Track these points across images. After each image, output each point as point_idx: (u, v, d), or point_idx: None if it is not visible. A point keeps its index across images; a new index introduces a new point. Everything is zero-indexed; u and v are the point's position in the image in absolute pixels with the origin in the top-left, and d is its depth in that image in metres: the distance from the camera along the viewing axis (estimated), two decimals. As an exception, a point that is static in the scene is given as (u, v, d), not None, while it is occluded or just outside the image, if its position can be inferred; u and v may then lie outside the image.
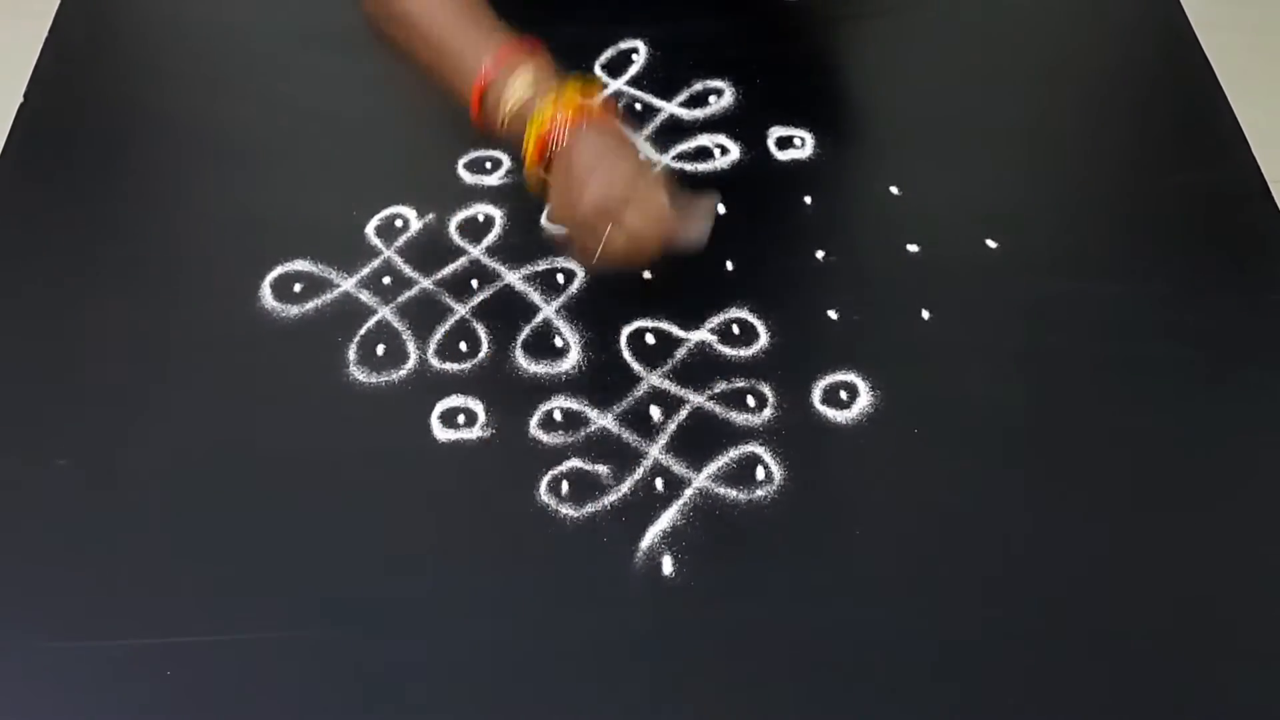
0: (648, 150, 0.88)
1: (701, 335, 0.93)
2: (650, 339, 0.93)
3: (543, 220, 0.92)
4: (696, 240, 0.88)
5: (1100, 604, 0.81)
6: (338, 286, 0.96)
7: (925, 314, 0.94)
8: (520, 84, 0.87)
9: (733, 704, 0.78)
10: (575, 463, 0.87)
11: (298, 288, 0.96)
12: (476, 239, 0.99)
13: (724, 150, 1.04)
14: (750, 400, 0.90)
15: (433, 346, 0.93)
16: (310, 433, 0.89)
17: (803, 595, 0.81)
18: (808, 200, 1.01)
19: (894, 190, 1.02)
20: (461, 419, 0.89)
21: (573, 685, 0.78)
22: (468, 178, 1.03)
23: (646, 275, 0.96)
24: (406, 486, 0.86)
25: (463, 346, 0.93)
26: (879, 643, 0.80)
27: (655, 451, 0.87)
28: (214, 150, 1.06)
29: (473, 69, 0.88)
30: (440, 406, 0.90)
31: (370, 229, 1.00)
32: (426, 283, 0.97)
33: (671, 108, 1.07)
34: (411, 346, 0.93)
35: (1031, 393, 0.91)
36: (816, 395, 0.90)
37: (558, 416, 0.89)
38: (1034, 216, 1.01)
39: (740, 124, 1.06)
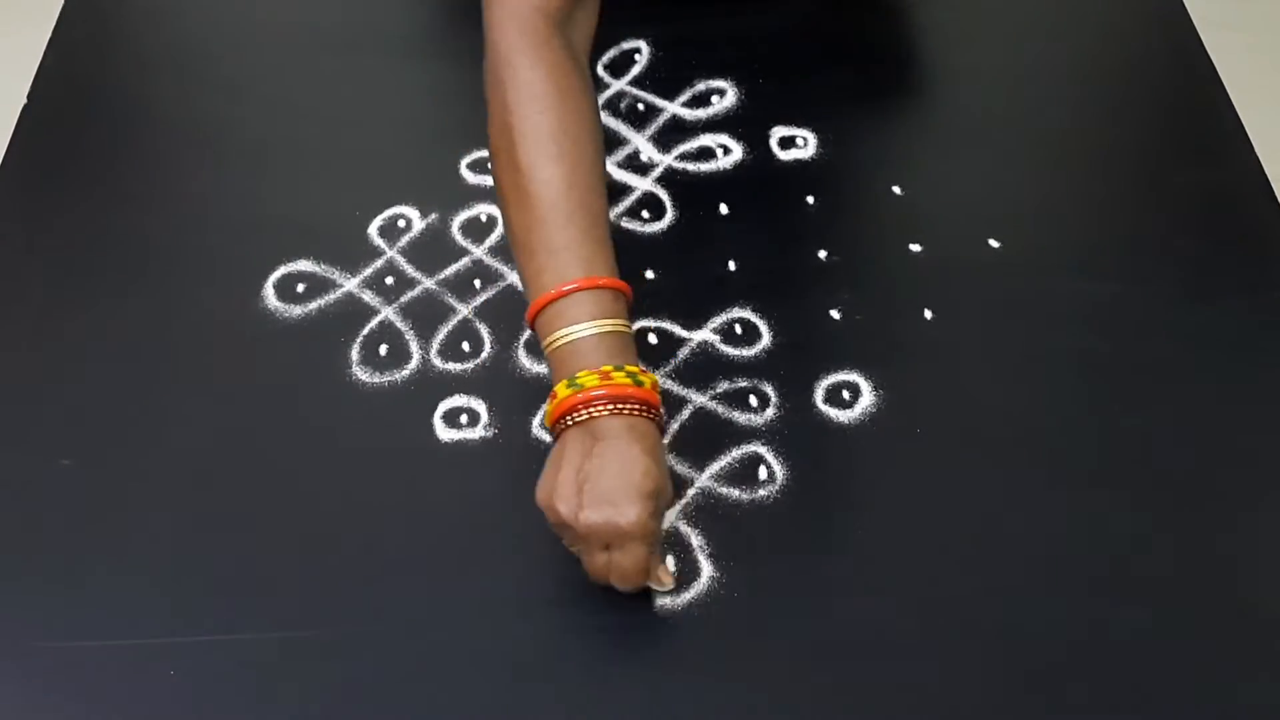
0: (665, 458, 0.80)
1: (704, 335, 0.93)
2: (652, 338, 0.93)
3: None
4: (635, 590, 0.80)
5: (1102, 602, 0.81)
6: (340, 287, 0.97)
7: (928, 313, 0.94)
8: (587, 328, 0.78)
9: (735, 703, 0.78)
10: (578, 462, 0.87)
11: (300, 288, 0.96)
12: (479, 239, 0.99)
13: (727, 150, 1.04)
14: (752, 400, 0.90)
15: (435, 346, 0.93)
16: (313, 432, 0.89)
17: (805, 594, 0.81)
18: (810, 200, 1.01)
19: (896, 190, 1.02)
20: (464, 419, 0.89)
21: (575, 684, 0.78)
22: (470, 178, 1.03)
23: (649, 275, 0.97)
24: (409, 486, 0.87)
25: (465, 346, 0.93)
26: (882, 642, 0.79)
27: (657, 451, 0.87)
28: (217, 151, 1.07)
29: (555, 276, 0.79)
30: (443, 406, 0.90)
31: (373, 229, 1.00)
32: (429, 283, 0.97)
33: (674, 108, 1.07)
34: (414, 346, 0.93)
35: (1034, 392, 0.91)
36: (819, 395, 0.90)
37: (560, 416, 0.89)
38: (1036, 216, 1.01)
39: (743, 124, 1.06)
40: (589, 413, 0.76)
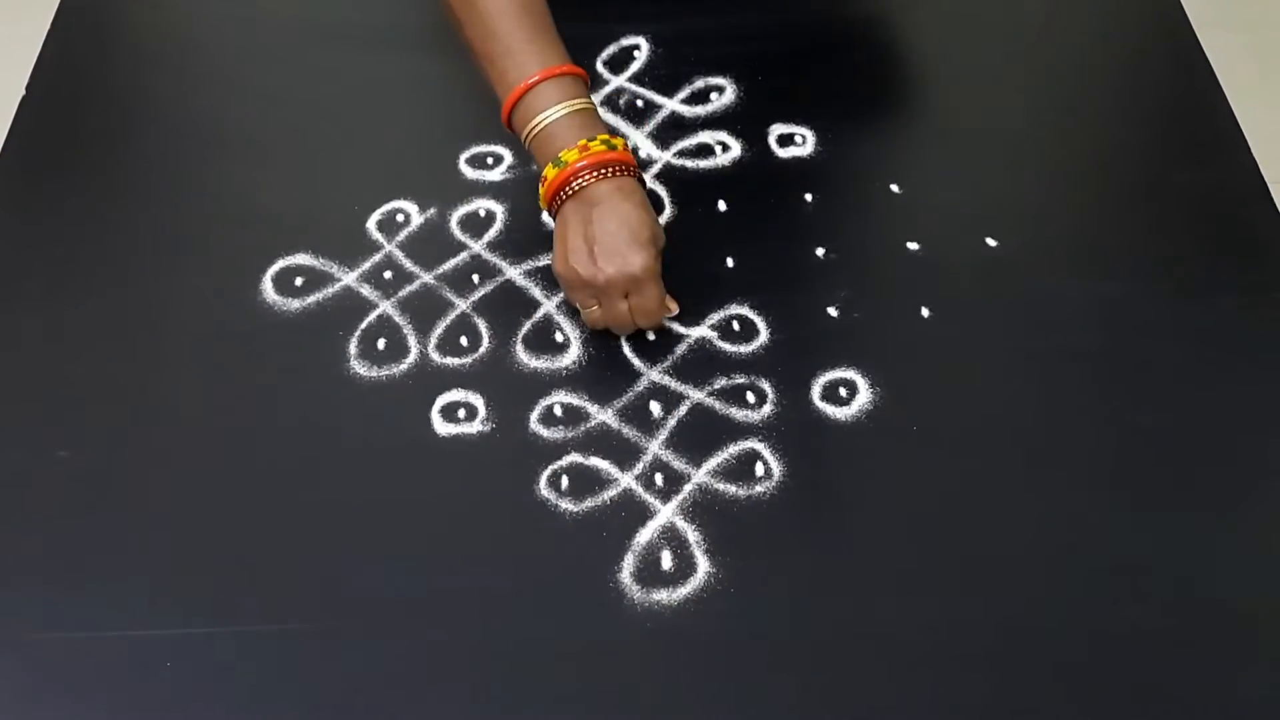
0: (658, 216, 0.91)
1: (702, 331, 0.94)
2: (651, 335, 0.93)
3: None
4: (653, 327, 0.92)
5: (1099, 601, 0.81)
6: (339, 281, 0.97)
7: (925, 311, 0.95)
8: (556, 110, 0.88)
9: (731, 698, 0.78)
10: (575, 458, 0.87)
11: (299, 281, 0.96)
12: (478, 234, 0.99)
13: (725, 147, 1.04)
14: (750, 396, 0.90)
15: (433, 341, 0.93)
16: (311, 426, 0.89)
17: (801, 591, 0.82)
18: (808, 198, 1.01)
19: (894, 188, 1.02)
20: (462, 413, 0.89)
21: (571, 679, 0.79)
22: (469, 173, 1.03)
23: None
24: (406, 480, 0.87)
25: (463, 341, 0.93)
26: (877, 638, 0.80)
27: (655, 447, 0.88)
28: (216, 144, 1.07)
29: (517, 74, 0.89)
30: (441, 401, 0.90)
31: (371, 223, 1.00)
32: (428, 277, 0.97)
33: (673, 104, 1.07)
34: (412, 341, 0.93)
35: (1030, 390, 0.91)
36: (816, 392, 0.90)
37: (558, 411, 0.89)
38: (1034, 215, 1.01)
39: (741, 121, 1.06)
40: (578, 184, 0.87)
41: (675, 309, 0.91)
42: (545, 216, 0.93)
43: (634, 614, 0.80)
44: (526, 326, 0.94)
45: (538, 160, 0.90)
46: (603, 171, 0.87)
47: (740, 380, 0.91)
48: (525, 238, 0.99)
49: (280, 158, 1.05)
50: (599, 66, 1.09)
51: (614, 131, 0.90)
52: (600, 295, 0.88)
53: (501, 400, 0.90)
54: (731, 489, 0.86)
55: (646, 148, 1.04)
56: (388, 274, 0.97)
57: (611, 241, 0.86)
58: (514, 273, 0.97)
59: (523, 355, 0.93)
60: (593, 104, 0.91)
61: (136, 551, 0.83)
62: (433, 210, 1.01)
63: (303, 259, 0.98)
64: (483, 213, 1.01)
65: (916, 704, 0.78)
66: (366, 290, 0.96)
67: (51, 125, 1.08)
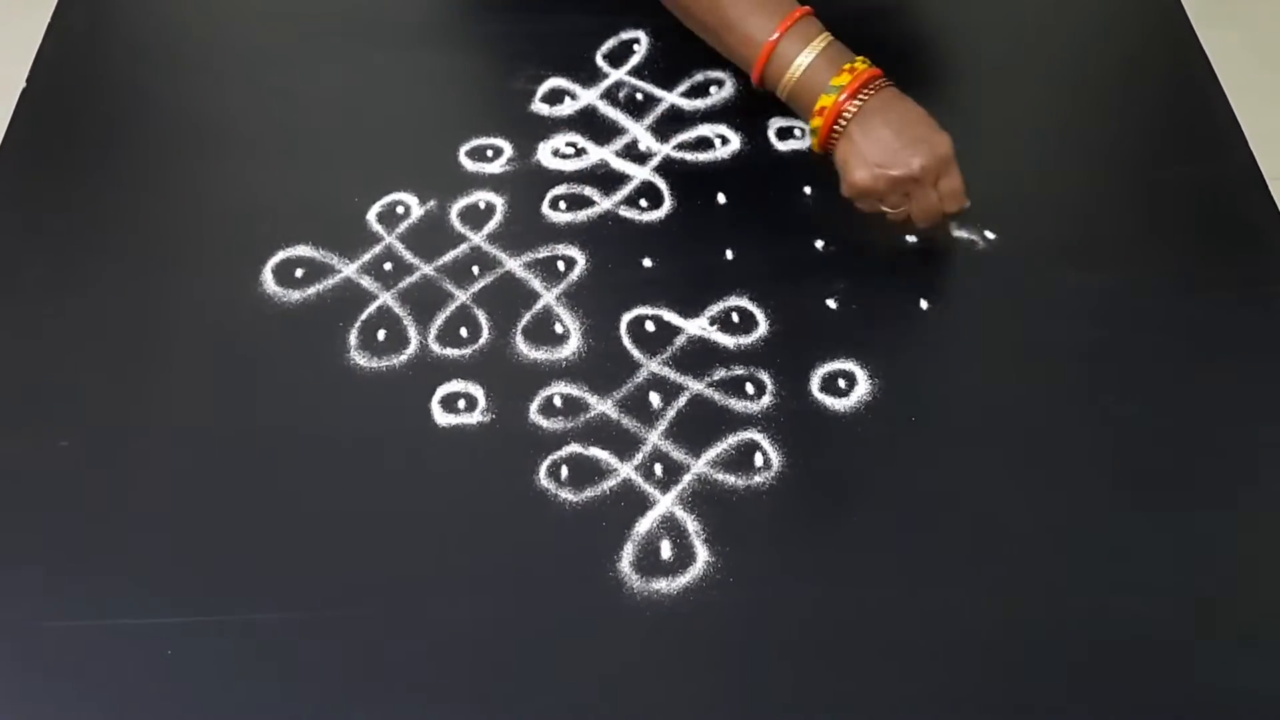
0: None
1: (701, 323, 0.94)
2: (650, 326, 0.93)
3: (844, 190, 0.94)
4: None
5: (1096, 594, 0.81)
6: (339, 272, 0.97)
7: (923, 304, 0.95)
8: (808, 52, 0.93)
9: (730, 688, 0.78)
10: (574, 448, 0.87)
11: (299, 273, 0.96)
12: (477, 226, 0.99)
13: (725, 140, 1.04)
14: (749, 387, 0.90)
15: (433, 332, 0.93)
16: (311, 417, 0.89)
17: (800, 581, 0.82)
18: (807, 190, 1.01)
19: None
20: (462, 404, 0.89)
21: (571, 668, 0.79)
22: (469, 165, 1.03)
23: (647, 263, 0.97)
24: (406, 471, 0.87)
25: (463, 332, 0.93)
26: (875, 628, 0.80)
27: (654, 438, 0.88)
28: (216, 136, 1.07)
29: (758, 34, 0.94)
30: (441, 391, 0.90)
31: (372, 215, 1.00)
32: (428, 269, 0.97)
33: (673, 98, 1.07)
34: (412, 332, 0.93)
35: (1028, 383, 0.91)
36: (815, 383, 0.91)
37: (557, 402, 0.89)
38: (1032, 209, 1.01)
39: (741, 114, 1.06)
40: (860, 101, 0.91)
41: (968, 201, 0.93)
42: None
43: (633, 603, 0.81)
44: (526, 318, 0.94)
45: (799, 109, 0.95)
46: (878, 84, 0.92)
47: (739, 371, 0.91)
48: (525, 230, 0.99)
49: (280, 150, 1.05)
50: (599, 59, 1.10)
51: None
52: (913, 188, 0.91)
53: (501, 391, 0.90)
54: (731, 479, 0.86)
55: (646, 141, 1.04)
56: (388, 265, 0.97)
57: (913, 132, 0.90)
58: (514, 264, 0.97)
59: (522, 346, 0.93)
60: (831, 36, 0.94)
61: (137, 540, 0.84)
62: (433, 202, 1.01)
63: (303, 250, 0.98)
64: (483, 205, 1.01)
65: (913, 693, 0.78)
66: (367, 282, 0.96)
67: (51, 119, 1.07)
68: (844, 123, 0.91)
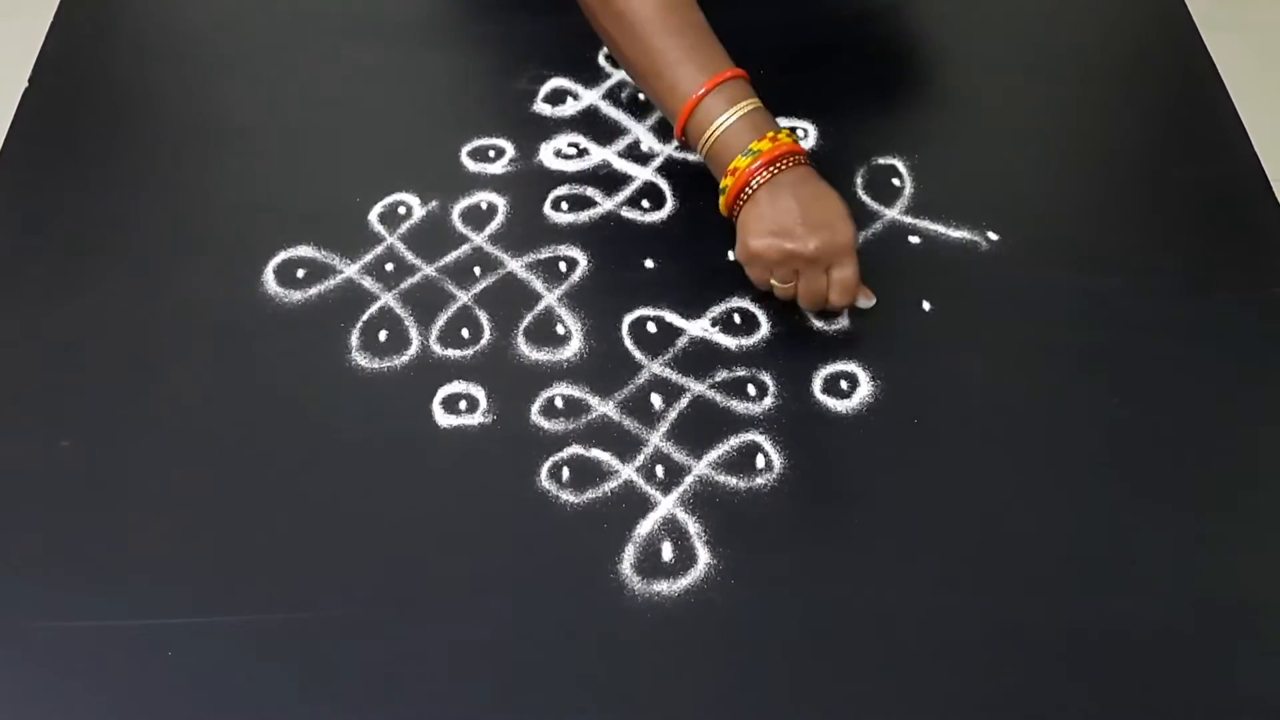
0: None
1: (703, 324, 0.94)
2: (651, 327, 0.93)
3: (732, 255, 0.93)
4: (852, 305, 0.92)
5: (1098, 596, 0.81)
6: (340, 272, 0.97)
7: (926, 305, 0.95)
8: (732, 113, 0.90)
9: (731, 690, 0.78)
10: (576, 449, 0.87)
11: (301, 273, 0.96)
12: (479, 227, 0.99)
13: (727, 141, 1.04)
14: (751, 389, 0.90)
15: (435, 333, 0.93)
16: (312, 418, 0.89)
17: (801, 583, 0.82)
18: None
19: (895, 182, 1.02)
20: (463, 405, 0.89)
21: (572, 670, 0.79)
22: (471, 166, 1.03)
23: (649, 264, 0.97)
24: (408, 472, 0.87)
25: (465, 333, 0.93)
26: (876, 631, 0.80)
27: (656, 439, 0.88)
28: (217, 136, 1.07)
29: (686, 87, 0.91)
30: (442, 392, 0.90)
31: (373, 215, 1.00)
32: (429, 269, 0.97)
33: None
34: (414, 333, 0.93)
35: (1031, 384, 0.91)
36: (817, 384, 0.90)
37: (559, 403, 0.89)
38: (1036, 210, 1.01)
39: (743, 115, 1.06)
40: (773, 170, 0.89)
41: (872, 298, 0.92)
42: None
43: (634, 605, 0.80)
44: (528, 319, 0.94)
45: (714, 168, 0.92)
46: (795, 159, 0.90)
47: (741, 373, 0.91)
48: (527, 230, 0.99)
49: (282, 150, 1.05)
50: (601, 60, 1.10)
51: (785, 127, 0.91)
52: (805, 267, 0.88)
53: (503, 392, 0.90)
54: (732, 481, 0.86)
55: (648, 141, 1.04)
56: (389, 266, 0.97)
57: (819, 214, 0.88)
58: (515, 265, 0.97)
59: (524, 347, 0.93)
60: (759, 103, 0.91)
61: (138, 541, 0.83)
62: (434, 203, 1.01)
63: (304, 251, 0.98)
64: (484, 205, 1.01)
65: (914, 695, 0.78)
66: (368, 282, 0.96)
67: (53, 118, 1.08)
68: (753, 188, 0.89)
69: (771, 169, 0.88)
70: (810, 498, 0.86)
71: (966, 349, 0.93)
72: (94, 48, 1.14)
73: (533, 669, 0.79)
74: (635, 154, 1.04)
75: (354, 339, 0.93)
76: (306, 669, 0.79)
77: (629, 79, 1.08)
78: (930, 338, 0.93)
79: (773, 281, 0.90)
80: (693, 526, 0.84)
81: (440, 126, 1.06)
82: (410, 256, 0.98)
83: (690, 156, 1.03)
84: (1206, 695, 0.78)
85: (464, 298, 0.95)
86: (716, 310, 0.94)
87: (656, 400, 0.90)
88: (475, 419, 0.89)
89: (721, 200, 0.91)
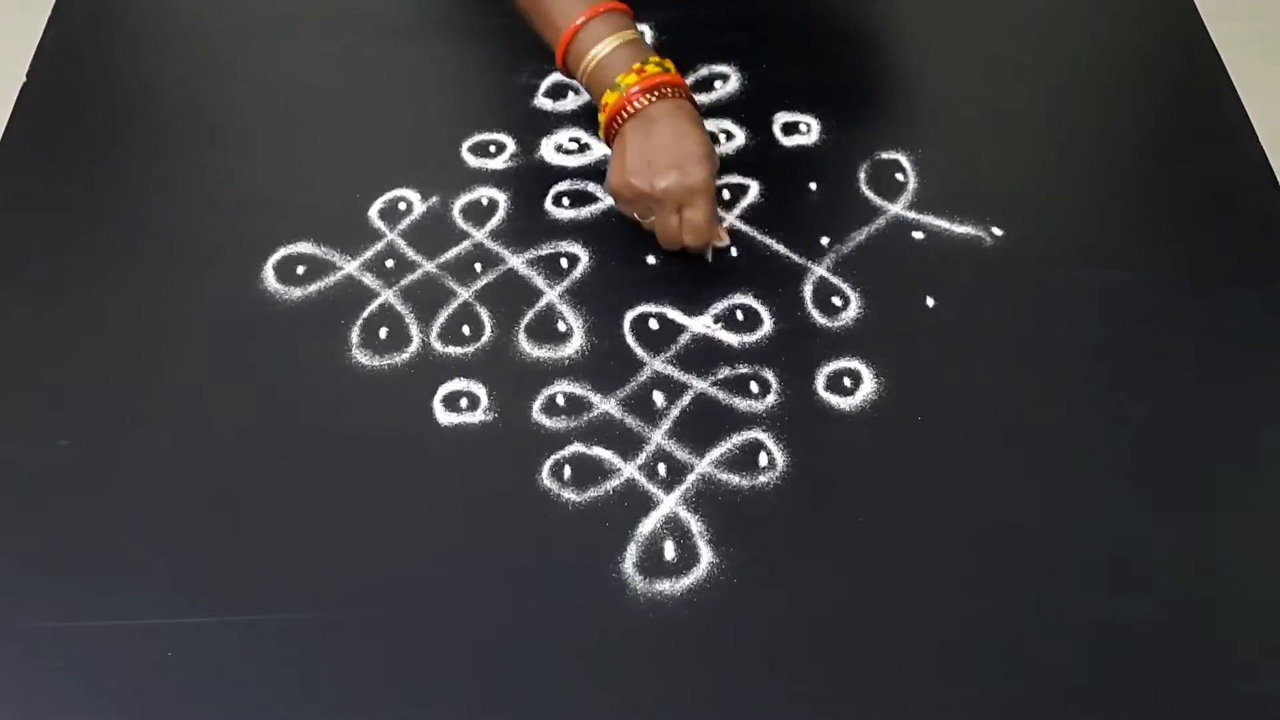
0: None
1: (705, 321, 0.93)
2: (654, 324, 0.93)
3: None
4: (704, 250, 0.94)
5: (1101, 593, 0.81)
6: (340, 269, 0.96)
7: (930, 301, 0.94)
8: (607, 42, 0.92)
9: (733, 689, 0.78)
10: (577, 447, 0.86)
11: (300, 270, 0.96)
12: (480, 223, 0.99)
13: (729, 135, 1.04)
14: (753, 386, 0.90)
15: (435, 330, 0.93)
16: (312, 415, 0.89)
17: (804, 582, 0.81)
18: (813, 186, 1.01)
19: (899, 177, 1.01)
20: (464, 403, 0.89)
21: (572, 669, 0.78)
22: (471, 161, 1.03)
23: (651, 260, 0.96)
24: (408, 470, 0.86)
25: (466, 330, 0.93)
26: (879, 629, 0.80)
27: (658, 437, 0.87)
28: (217, 132, 1.06)
29: (565, 16, 0.93)
30: (443, 390, 0.90)
31: (373, 212, 0.99)
32: (430, 266, 0.97)
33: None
34: (414, 330, 0.93)
35: (1035, 380, 0.91)
36: (820, 382, 0.90)
37: (560, 401, 0.89)
38: (1040, 204, 1.01)
39: (746, 109, 1.05)
40: (637, 104, 0.90)
41: (725, 239, 0.93)
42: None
43: (637, 604, 0.80)
44: (529, 316, 0.93)
45: (594, 95, 0.94)
46: (660, 91, 0.90)
47: (744, 370, 0.91)
48: (528, 226, 0.98)
49: (282, 145, 1.05)
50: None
51: (663, 56, 0.93)
52: (655, 207, 0.90)
53: (504, 390, 0.90)
54: (735, 479, 0.85)
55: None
56: (389, 263, 0.96)
57: (670, 155, 0.89)
58: (516, 262, 0.96)
59: (525, 345, 0.92)
60: (639, 34, 0.94)
61: (137, 540, 0.83)
62: (435, 199, 1.00)
63: (304, 247, 0.97)
64: (485, 201, 1.00)
65: (917, 694, 0.77)
66: (368, 279, 0.96)
67: (52, 113, 1.07)
68: (620, 120, 0.91)
69: (641, 100, 0.90)
70: (813, 496, 0.85)
71: (970, 345, 0.92)
72: (92, 41, 1.14)
73: (534, 668, 0.78)
74: (637, 149, 1.03)
75: (354, 336, 0.92)
76: (307, 667, 0.78)
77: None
78: (934, 334, 0.93)
79: (635, 216, 0.93)
80: (695, 525, 0.83)
81: (441, 122, 1.06)
82: (411, 253, 0.97)
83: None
84: (1208, 693, 0.77)
85: (465, 294, 0.95)
86: (719, 307, 0.94)
87: (659, 398, 0.89)
88: (476, 417, 0.88)
89: (600, 119, 0.94)
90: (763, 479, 0.85)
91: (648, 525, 0.83)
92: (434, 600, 0.81)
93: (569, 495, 0.85)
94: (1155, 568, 0.82)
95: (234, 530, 0.84)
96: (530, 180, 1.01)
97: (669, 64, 0.92)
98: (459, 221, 0.99)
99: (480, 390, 0.90)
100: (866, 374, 0.90)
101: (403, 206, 1.00)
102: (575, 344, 0.92)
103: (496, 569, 0.82)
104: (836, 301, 0.94)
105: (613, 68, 0.92)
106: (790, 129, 1.04)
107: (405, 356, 0.91)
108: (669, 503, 0.84)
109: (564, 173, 1.02)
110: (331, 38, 1.12)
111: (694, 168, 0.89)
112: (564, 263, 0.96)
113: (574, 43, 0.93)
